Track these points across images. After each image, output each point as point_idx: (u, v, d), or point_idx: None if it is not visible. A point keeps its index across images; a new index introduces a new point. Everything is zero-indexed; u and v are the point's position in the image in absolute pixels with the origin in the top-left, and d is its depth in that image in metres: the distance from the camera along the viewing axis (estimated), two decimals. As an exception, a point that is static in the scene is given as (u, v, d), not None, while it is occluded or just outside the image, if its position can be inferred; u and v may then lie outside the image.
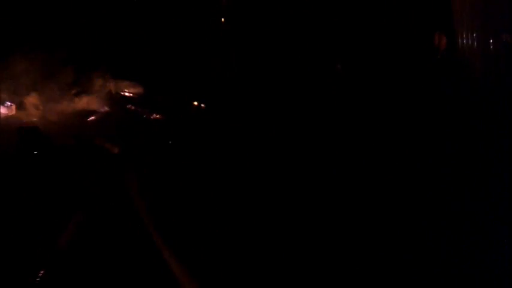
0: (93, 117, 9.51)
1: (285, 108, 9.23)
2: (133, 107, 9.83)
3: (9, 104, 9.35)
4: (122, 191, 8.02)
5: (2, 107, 9.28)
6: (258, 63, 9.80)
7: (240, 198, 7.25)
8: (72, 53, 9.64)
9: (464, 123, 7.37)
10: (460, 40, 7.66)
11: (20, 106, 9.31)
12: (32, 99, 9.33)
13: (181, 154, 9.16)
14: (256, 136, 8.92)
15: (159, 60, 9.96)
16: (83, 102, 9.57)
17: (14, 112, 9.29)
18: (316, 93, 9.06)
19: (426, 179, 6.77)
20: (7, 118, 9.17)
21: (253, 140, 8.85)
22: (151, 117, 9.74)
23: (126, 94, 9.93)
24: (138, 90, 9.97)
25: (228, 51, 10.05)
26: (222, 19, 10.08)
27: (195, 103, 9.89)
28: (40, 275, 7.09)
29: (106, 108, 9.66)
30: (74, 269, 6.93)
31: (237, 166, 8.20)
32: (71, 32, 9.67)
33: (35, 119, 9.08)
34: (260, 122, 9.25)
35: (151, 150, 9.26)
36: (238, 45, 10.05)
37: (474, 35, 7.51)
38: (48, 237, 7.41)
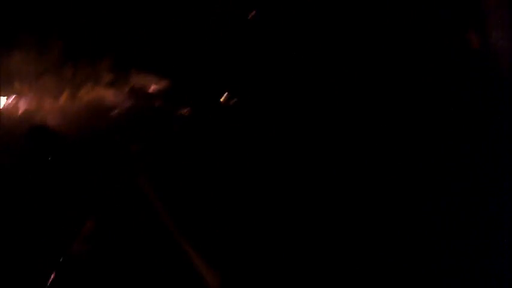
0: (113, 113, 9.20)
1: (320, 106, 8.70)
2: (158, 103, 9.51)
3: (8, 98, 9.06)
4: (139, 191, 7.83)
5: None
6: (290, 60, 9.38)
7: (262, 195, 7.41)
8: (93, 45, 9.34)
9: (490, 125, 7.20)
10: (489, 39, 7.19)
11: (32, 101, 9.05)
12: (45, 92, 9.04)
13: (206, 152, 8.88)
14: (289, 136, 8.50)
15: (186, 54, 9.61)
16: (104, 97, 9.25)
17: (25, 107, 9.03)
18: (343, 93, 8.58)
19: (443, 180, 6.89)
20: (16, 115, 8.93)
21: (285, 139, 8.48)
22: (178, 114, 9.42)
23: (151, 89, 9.59)
24: (164, 85, 9.61)
25: (258, 46, 9.61)
26: (253, 12, 9.65)
27: (223, 98, 9.55)
28: (52, 279, 6.95)
29: (128, 104, 9.33)
30: (88, 273, 6.96)
31: (264, 166, 8.06)
32: (95, 24, 9.42)
33: (52, 115, 8.82)
34: (295, 122, 8.74)
35: (174, 148, 8.98)
36: (269, 40, 9.59)
37: (504, 33, 6.98)
38: (61, 241, 7.28)
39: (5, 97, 8.96)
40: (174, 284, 6.76)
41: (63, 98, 9.04)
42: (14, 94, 8.98)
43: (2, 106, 8.91)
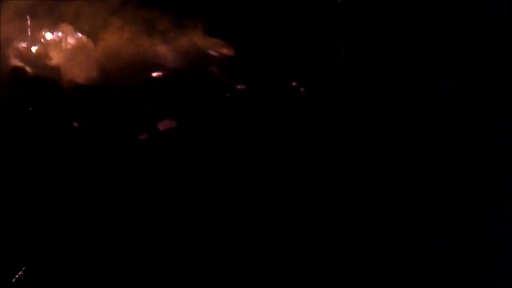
0: (159, 73, 8.04)
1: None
2: (217, 71, 8.26)
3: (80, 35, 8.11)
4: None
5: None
6: (370, 55, 8.07)
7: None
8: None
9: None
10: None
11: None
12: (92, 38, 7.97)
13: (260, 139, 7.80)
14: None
15: (262, 25, 8.29)
16: (155, 52, 8.04)
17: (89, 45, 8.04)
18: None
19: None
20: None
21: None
22: (235, 87, 8.19)
23: (214, 54, 8.32)
24: (230, 52, 8.32)
25: (339, 35, 8.24)
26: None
27: (294, 83, 8.23)
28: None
29: (177, 66, 8.10)
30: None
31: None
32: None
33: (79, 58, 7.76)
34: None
35: (222, 127, 7.86)
36: (351, 31, 8.20)
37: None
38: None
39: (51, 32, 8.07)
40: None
41: (118, 48, 7.95)
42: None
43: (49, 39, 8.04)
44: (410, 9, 8.05)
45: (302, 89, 8.29)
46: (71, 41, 7.94)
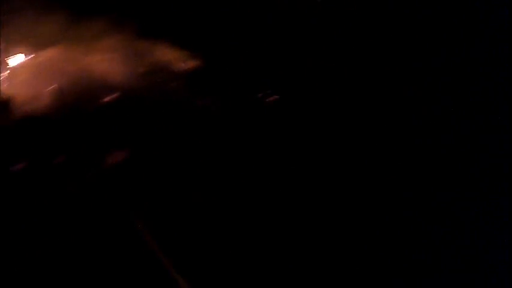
0: (113, 96, 7.40)
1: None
2: (183, 84, 7.56)
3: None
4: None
5: None
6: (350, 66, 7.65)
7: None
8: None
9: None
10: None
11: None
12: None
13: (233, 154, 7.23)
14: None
15: (236, 36, 7.55)
16: (100, 66, 7.33)
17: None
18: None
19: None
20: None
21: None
22: (203, 103, 7.51)
23: (182, 65, 7.59)
24: (199, 64, 7.59)
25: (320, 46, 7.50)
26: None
27: (266, 95, 7.48)
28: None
29: (136, 83, 7.38)
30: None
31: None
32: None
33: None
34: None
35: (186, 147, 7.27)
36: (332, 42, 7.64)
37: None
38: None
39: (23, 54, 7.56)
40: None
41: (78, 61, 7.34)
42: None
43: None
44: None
45: (272, 99, 7.58)
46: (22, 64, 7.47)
